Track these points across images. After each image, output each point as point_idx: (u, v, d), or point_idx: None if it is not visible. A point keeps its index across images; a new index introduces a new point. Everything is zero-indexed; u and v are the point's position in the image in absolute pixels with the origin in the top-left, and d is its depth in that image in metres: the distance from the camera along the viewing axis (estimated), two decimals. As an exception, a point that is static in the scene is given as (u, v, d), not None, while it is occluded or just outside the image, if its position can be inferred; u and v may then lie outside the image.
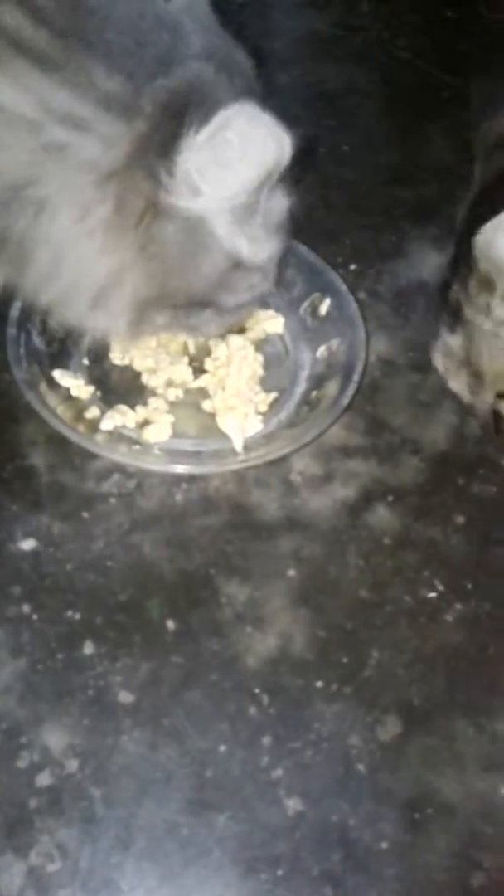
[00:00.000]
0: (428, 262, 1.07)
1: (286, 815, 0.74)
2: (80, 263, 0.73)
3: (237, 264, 0.77)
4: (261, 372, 0.96)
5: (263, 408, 0.93)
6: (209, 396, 0.94)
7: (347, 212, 1.11)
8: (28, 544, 0.84)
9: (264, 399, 0.94)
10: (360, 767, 0.76)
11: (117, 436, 0.90)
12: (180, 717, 0.77)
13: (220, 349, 0.95)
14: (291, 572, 0.85)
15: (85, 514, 0.87)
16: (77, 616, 0.81)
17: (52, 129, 0.68)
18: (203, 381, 0.95)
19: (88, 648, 0.80)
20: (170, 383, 0.94)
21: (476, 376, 0.87)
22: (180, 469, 0.88)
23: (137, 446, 0.89)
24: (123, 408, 0.91)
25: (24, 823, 0.72)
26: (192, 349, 0.96)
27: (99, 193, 0.70)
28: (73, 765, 0.74)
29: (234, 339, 0.96)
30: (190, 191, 0.70)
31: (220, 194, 0.71)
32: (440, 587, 0.85)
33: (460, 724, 0.79)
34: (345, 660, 0.81)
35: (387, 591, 0.85)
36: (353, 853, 0.73)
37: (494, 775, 0.76)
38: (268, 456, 0.89)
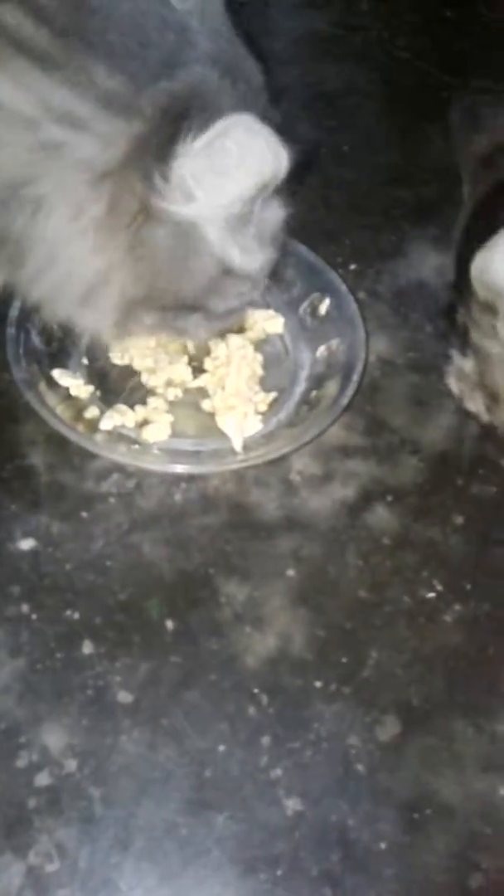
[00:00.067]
0: (428, 263, 1.07)
1: (285, 815, 0.74)
2: (72, 261, 0.73)
3: (227, 271, 0.77)
4: (260, 372, 0.96)
5: (263, 407, 0.93)
6: (208, 396, 0.93)
7: (347, 212, 1.11)
8: (27, 544, 0.84)
9: (264, 399, 0.94)
10: (360, 767, 0.76)
11: (117, 435, 0.90)
12: (179, 716, 0.77)
13: (219, 349, 0.95)
14: (291, 572, 0.85)
15: (84, 514, 0.86)
16: (76, 616, 0.81)
17: (50, 127, 0.68)
18: (202, 380, 0.94)
19: (87, 648, 0.80)
20: (169, 383, 0.94)
21: (492, 398, 0.87)
22: (180, 469, 0.88)
23: (137, 446, 0.89)
24: (123, 407, 0.91)
25: (23, 823, 0.72)
26: (191, 349, 0.96)
27: (94, 193, 0.70)
28: (72, 765, 0.74)
29: (234, 339, 0.96)
30: (183, 196, 0.70)
31: (214, 202, 0.71)
32: (439, 587, 0.85)
33: (459, 724, 0.79)
34: (344, 660, 0.81)
35: (386, 592, 0.85)
36: (352, 853, 0.73)
37: (493, 776, 0.76)
38: (267, 456, 0.89)
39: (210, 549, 0.86)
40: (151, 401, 0.92)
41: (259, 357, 0.96)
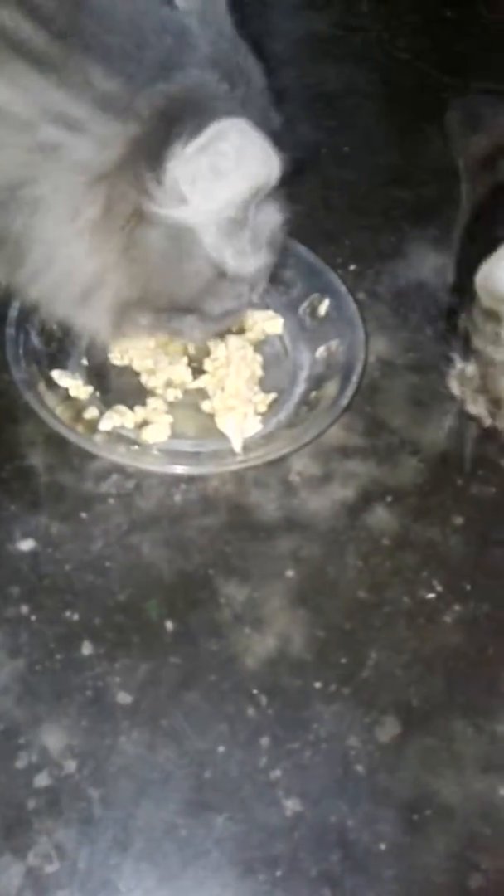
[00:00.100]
0: (427, 263, 1.07)
1: (284, 815, 0.74)
2: (68, 262, 0.74)
3: (222, 274, 0.77)
4: (260, 372, 0.96)
5: (262, 408, 0.93)
6: (208, 397, 0.93)
7: (347, 212, 1.11)
8: (27, 545, 0.84)
9: (263, 399, 0.94)
10: (359, 768, 0.76)
11: (116, 436, 0.90)
12: (179, 717, 0.77)
13: (219, 350, 0.95)
14: (290, 573, 0.85)
15: (83, 515, 0.86)
16: (75, 616, 0.81)
17: (47, 129, 0.68)
18: (202, 381, 0.94)
19: (87, 649, 0.80)
20: (169, 384, 0.94)
21: (495, 403, 0.87)
22: (179, 469, 0.88)
23: (136, 447, 0.89)
24: (122, 408, 0.91)
25: (23, 824, 0.72)
26: (191, 350, 0.96)
27: (90, 194, 0.71)
28: (71, 765, 0.74)
29: (233, 340, 0.96)
30: (176, 200, 0.70)
31: (207, 206, 0.71)
32: (439, 588, 0.85)
33: (459, 724, 0.79)
34: (343, 660, 0.81)
35: (385, 592, 0.85)
36: (351, 854, 0.73)
37: (493, 776, 0.76)
38: (267, 456, 0.89)
39: (209, 550, 0.86)
40: (151, 401, 0.92)
41: (258, 358, 0.97)
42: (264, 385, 0.95)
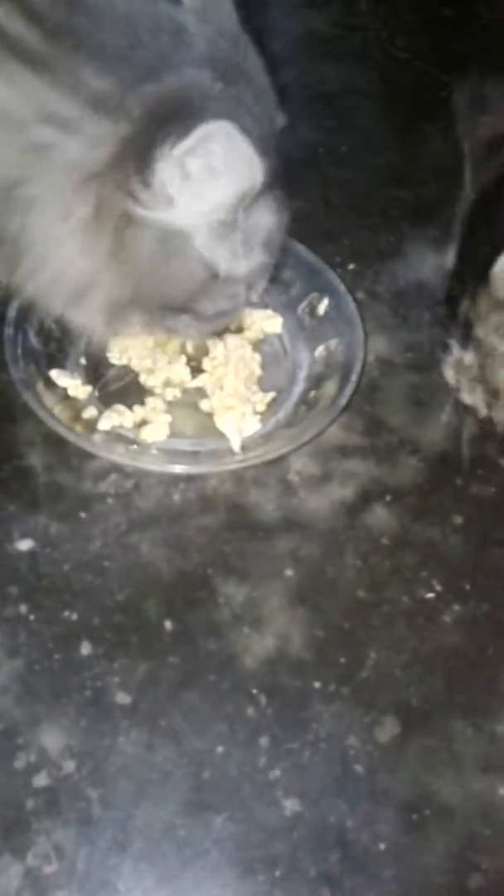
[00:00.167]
0: (427, 263, 1.07)
1: (284, 815, 0.74)
2: (62, 261, 0.74)
3: (214, 275, 0.76)
4: (259, 372, 0.96)
5: (261, 407, 0.93)
6: (207, 396, 0.93)
7: (346, 212, 1.11)
8: (25, 544, 0.84)
9: (262, 399, 0.93)
10: (358, 768, 0.76)
11: (115, 436, 0.90)
12: (178, 717, 0.77)
13: (217, 349, 0.95)
14: (289, 572, 0.85)
15: (82, 515, 0.86)
16: (74, 616, 0.81)
17: (40, 128, 0.68)
18: (201, 380, 0.94)
19: (86, 649, 0.79)
20: (167, 383, 0.94)
21: (493, 394, 0.87)
22: (178, 469, 0.88)
23: (135, 446, 0.89)
24: (121, 407, 0.91)
25: (21, 824, 0.72)
26: (189, 349, 0.96)
27: (81, 195, 0.70)
28: (70, 766, 0.74)
29: (232, 339, 0.96)
30: (164, 202, 0.70)
31: (195, 209, 0.71)
32: (438, 588, 0.85)
33: (459, 724, 0.78)
34: (342, 660, 0.81)
35: (385, 592, 0.85)
36: (350, 854, 0.72)
37: (493, 776, 0.76)
38: (266, 456, 0.89)
39: (208, 550, 0.85)
40: (150, 401, 0.92)
41: (257, 357, 0.96)
42: (263, 384, 0.95)
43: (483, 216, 0.86)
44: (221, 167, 0.69)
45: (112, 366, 0.95)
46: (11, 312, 0.91)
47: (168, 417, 0.91)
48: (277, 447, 0.89)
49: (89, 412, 0.91)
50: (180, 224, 0.72)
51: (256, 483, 0.89)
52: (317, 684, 0.79)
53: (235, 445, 0.90)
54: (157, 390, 0.93)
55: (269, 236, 0.78)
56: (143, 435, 0.90)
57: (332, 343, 0.96)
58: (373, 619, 0.83)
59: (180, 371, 0.94)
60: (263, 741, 0.76)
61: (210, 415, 0.92)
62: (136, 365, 0.95)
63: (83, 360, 0.94)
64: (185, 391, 0.94)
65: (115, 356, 0.95)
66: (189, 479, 0.89)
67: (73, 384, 0.92)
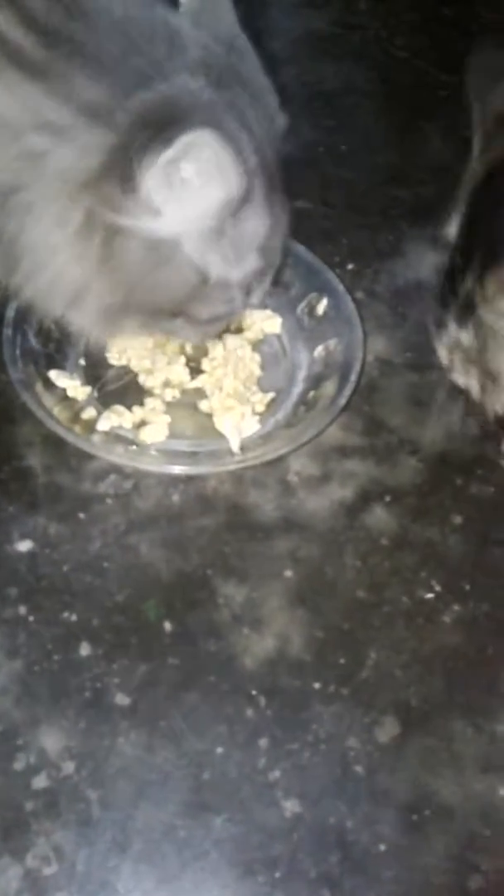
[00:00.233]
0: (426, 262, 1.06)
1: (284, 816, 0.74)
2: (56, 268, 0.74)
3: (205, 281, 0.76)
4: (258, 372, 0.96)
5: (260, 408, 0.93)
6: (206, 397, 0.93)
7: (345, 211, 1.11)
8: (24, 545, 0.84)
9: (261, 399, 0.93)
10: (358, 769, 0.76)
11: (114, 436, 0.90)
12: (177, 718, 0.77)
13: (217, 349, 0.95)
14: (288, 573, 0.85)
15: (81, 515, 0.86)
16: (73, 617, 0.81)
17: (34, 136, 0.68)
18: (200, 381, 0.94)
19: (85, 650, 0.79)
20: (167, 384, 0.94)
21: (490, 377, 0.85)
22: (177, 470, 0.88)
23: (134, 447, 0.89)
24: (120, 408, 0.91)
25: (21, 826, 0.72)
26: (189, 349, 0.96)
27: (73, 202, 0.71)
28: (69, 767, 0.74)
29: (231, 339, 0.96)
30: (150, 212, 0.70)
31: (181, 217, 0.71)
32: (438, 588, 0.85)
33: (458, 725, 0.78)
34: (342, 661, 0.81)
35: (384, 592, 0.85)
36: (350, 855, 0.72)
37: (493, 776, 0.76)
38: (265, 456, 0.89)
39: (208, 551, 0.85)
40: (149, 401, 0.92)
41: (257, 357, 0.96)
42: (262, 385, 0.95)
43: (493, 192, 0.84)
44: (203, 176, 0.69)
45: (111, 366, 0.95)
46: (10, 313, 0.91)
47: (167, 418, 0.91)
48: (277, 448, 0.89)
49: (88, 413, 0.91)
50: (168, 232, 0.72)
51: (256, 484, 0.89)
52: (316, 685, 0.79)
53: (234, 446, 0.90)
54: (157, 391, 0.93)
55: (264, 242, 0.78)
56: (143, 435, 0.89)
57: (332, 343, 0.96)
58: (372, 619, 0.83)
59: (179, 372, 0.94)
60: (263, 742, 0.76)
61: (209, 415, 0.92)
62: (135, 366, 0.95)
63: (82, 361, 0.94)
64: (184, 392, 0.94)
65: (115, 357, 0.95)
66: (188, 479, 0.89)
67: (72, 385, 0.92)
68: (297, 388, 0.95)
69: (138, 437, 0.90)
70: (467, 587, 0.85)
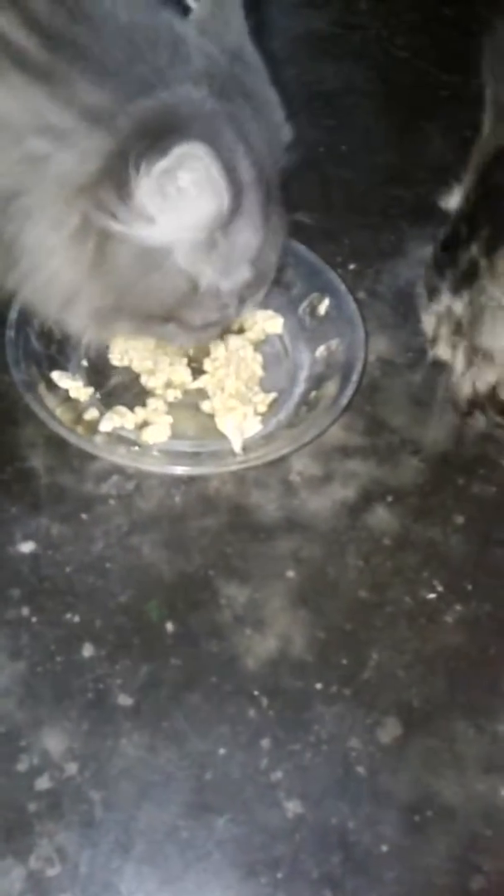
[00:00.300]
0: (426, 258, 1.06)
1: (286, 817, 0.74)
2: (52, 270, 0.74)
3: (195, 289, 0.77)
4: (260, 372, 0.96)
5: (262, 408, 0.93)
6: (208, 397, 0.93)
7: (346, 211, 1.11)
8: (27, 547, 0.84)
9: (263, 399, 0.94)
10: (360, 769, 0.76)
11: (116, 437, 0.90)
12: (180, 719, 0.77)
13: (218, 350, 0.95)
14: (291, 573, 0.85)
15: (84, 516, 0.86)
16: (76, 618, 0.81)
17: (36, 139, 0.69)
18: (202, 381, 0.94)
19: (88, 651, 0.80)
20: (169, 384, 0.94)
21: (480, 354, 0.84)
22: (179, 470, 0.88)
23: (136, 448, 0.89)
24: (122, 409, 0.91)
25: (24, 827, 0.72)
26: (191, 350, 0.96)
27: (69, 206, 0.71)
28: (72, 768, 0.74)
29: (233, 340, 0.96)
30: (143, 220, 0.70)
31: (174, 227, 0.72)
32: (440, 588, 0.85)
33: (460, 725, 0.78)
34: (344, 661, 0.81)
35: (386, 592, 0.85)
36: (352, 856, 0.72)
37: (495, 777, 0.76)
38: (267, 457, 0.89)
39: (210, 551, 0.85)
40: (151, 402, 0.92)
41: (258, 357, 0.96)
42: (264, 385, 0.95)
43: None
44: (197, 187, 0.69)
45: (113, 367, 0.95)
46: (13, 315, 0.91)
47: (169, 419, 0.91)
48: (279, 448, 0.89)
49: (91, 414, 0.91)
50: (160, 240, 0.72)
51: (258, 484, 0.89)
52: (318, 685, 0.79)
53: (237, 446, 0.90)
54: (159, 391, 0.93)
55: (256, 254, 0.78)
56: (145, 436, 0.90)
57: (333, 343, 0.96)
58: (374, 619, 0.83)
59: (181, 372, 0.94)
60: (265, 743, 0.76)
61: (211, 416, 0.92)
62: (137, 366, 0.95)
63: (84, 362, 0.95)
64: (186, 392, 0.94)
65: (117, 358, 0.95)
66: (190, 480, 0.89)
67: (74, 386, 0.92)
68: (299, 389, 0.95)
69: (140, 437, 0.90)
70: (469, 587, 0.85)
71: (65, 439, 0.87)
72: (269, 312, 0.99)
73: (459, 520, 0.89)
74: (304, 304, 1.00)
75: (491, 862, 0.73)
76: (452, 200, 0.89)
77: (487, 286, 0.81)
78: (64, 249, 0.73)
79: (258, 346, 0.98)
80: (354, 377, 0.92)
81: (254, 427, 0.91)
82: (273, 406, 0.94)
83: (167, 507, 0.88)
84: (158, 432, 0.90)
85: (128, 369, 0.95)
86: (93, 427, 0.90)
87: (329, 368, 0.95)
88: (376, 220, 1.11)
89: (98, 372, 0.95)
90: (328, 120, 1.20)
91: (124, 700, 0.78)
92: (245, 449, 0.90)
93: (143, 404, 0.92)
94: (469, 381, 0.85)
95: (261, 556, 0.86)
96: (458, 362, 0.85)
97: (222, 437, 0.91)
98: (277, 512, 0.88)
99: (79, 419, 0.90)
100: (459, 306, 0.83)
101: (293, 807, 0.74)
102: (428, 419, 0.94)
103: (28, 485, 0.88)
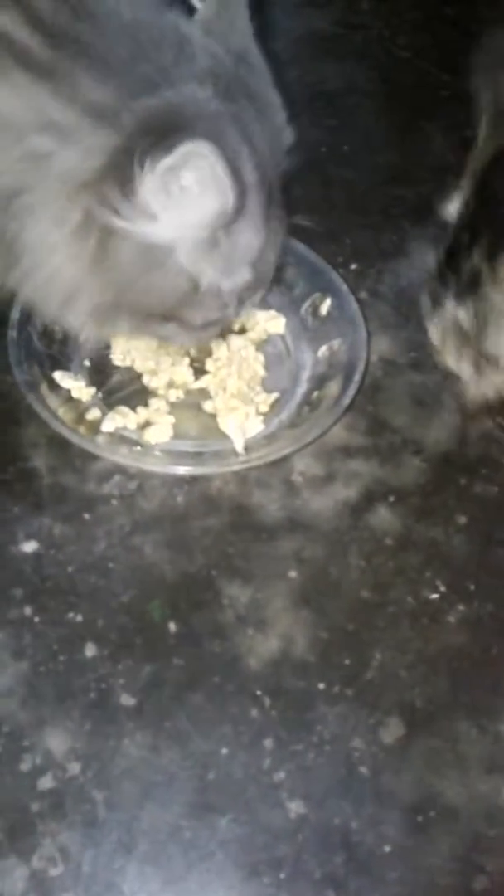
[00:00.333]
0: (429, 261, 1.06)
1: (288, 817, 0.74)
2: (53, 267, 0.74)
3: (196, 288, 0.77)
4: (262, 372, 0.96)
5: (264, 408, 0.93)
6: (210, 397, 0.93)
7: (347, 211, 1.11)
8: (30, 546, 0.84)
9: (265, 399, 0.94)
10: (363, 770, 0.76)
11: (118, 437, 0.90)
12: (182, 719, 0.77)
13: (221, 350, 0.95)
14: (293, 573, 0.85)
15: (86, 516, 0.86)
16: (79, 618, 0.81)
17: (39, 137, 0.68)
18: (204, 381, 0.94)
19: (90, 651, 0.80)
20: (171, 384, 0.94)
21: (487, 360, 0.84)
22: (181, 470, 0.88)
23: (138, 448, 0.89)
24: (124, 409, 0.91)
25: (27, 827, 0.72)
26: (193, 350, 0.96)
27: (72, 203, 0.71)
28: (75, 768, 0.74)
29: (235, 340, 0.96)
30: (146, 217, 0.70)
31: (176, 225, 0.71)
32: (442, 588, 0.85)
33: (463, 725, 0.78)
34: (347, 661, 0.81)
35: (389, 592, 0.85)
36: (355, 856, 0.72)
37: (497, 777, 0.76)
38: (269, 457, 0.89)
39: (212, 551, 0.85)
40: (153, 402, 0.92)
41: (260, 357, 0.96)
42: (266, 385, 0.95)
43: (499, 172, 0.82)
44: (200, 186, 0.69)
45: (115, 368, 0.95)
46: (15, 314, 0.91)
47: (171, 419, 0.91)
48: (281, 448, 0.89)
49: (93, 414, 0.91)
50: (163, 238, 0.72)
51: (260, 484, 0.89)
52: (321, 686, 0.79)
53: (239, 446, 0.90)
54: (161, 392, 0.93)
55: (257, 256, 0.78)
56: (147, 436, 0.90)
57: (335, 343, 0.96)
58: (377, 619, 0.83)
59: (183, 372, 0.94)
60: (268, 743, 0.76)
61: (213, 416, 0.92)
62: (139, 366, 0.95)
63: (87, 362, 0.95)
64: (188, 392, 0.94)
65: (119, 358, 0.95)
66: (192, 480, 0.89)
67: (76, 386, 0.92)
68: (301, 389, 0.95)
69: (143, 437, 0.90)
70: (472, 587, 0.85)
71: (67, 439, 0.87)
72: (272, 312, 0.99)
73: (462, 520, 0.89)
74: (307, 304, 1.00)
75: (494, 862, 0.73)
76: (451, 207, 0.89)
77: (490, 293, 0.81)
78: (65, 246, 0.72)
79: (260, 346, 0.98)
80: (356, 377, 0.92)
81: (256, 427, 0.91)
82: (275, 406, 0.94)
83: (169, 507, 0.88)
84: (160, 432, 0.90)
85: (130, 369, 0.95)
86: (95, 427, 0.90)
87: (331, 368, 0.95)
88: (378, 220, 1.11)
89: (100, 372, 0.95)
90: (330, 120, 1.20)
91: (127, 700, 0.78)
92: (247, 449, 0.90)
93: (146, 404, 0.92)
94: (476, 386, 0.85)
95: (263, 556, 0.86)
96: (465, 369, 0.86)
97: (224, 437, 0.91)
98: (279, 512, 0.88)
99: (81, 419, 0.90)
100: (464, 314, 0.84)
101: (296, 807, 0.74)
102: (430, 419, 0.94)
103: (30, 485, 0.88)
